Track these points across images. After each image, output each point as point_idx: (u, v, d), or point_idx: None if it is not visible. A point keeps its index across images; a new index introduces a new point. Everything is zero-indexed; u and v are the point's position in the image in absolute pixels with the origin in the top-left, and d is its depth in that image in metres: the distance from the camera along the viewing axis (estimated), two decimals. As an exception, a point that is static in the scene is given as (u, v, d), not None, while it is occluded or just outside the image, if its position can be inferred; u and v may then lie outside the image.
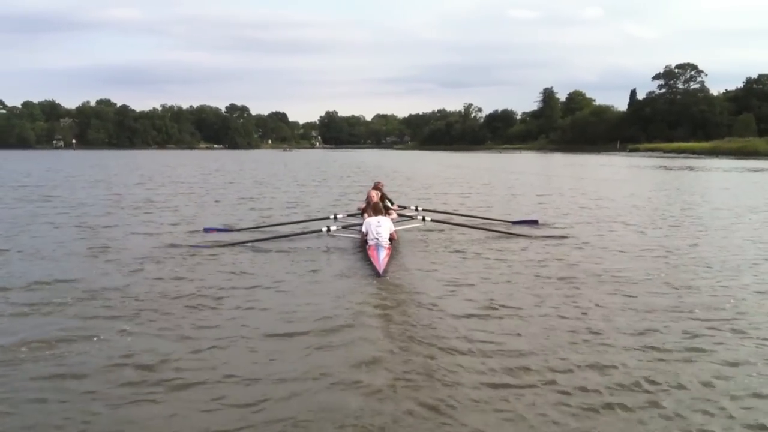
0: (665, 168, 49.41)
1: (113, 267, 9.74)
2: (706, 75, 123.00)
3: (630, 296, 8.08)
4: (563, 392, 5.09)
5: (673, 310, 7.39)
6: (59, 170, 46.83)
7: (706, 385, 5.25)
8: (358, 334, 6.47)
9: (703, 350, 6.07)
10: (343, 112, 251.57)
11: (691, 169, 47.54)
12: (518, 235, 12.92)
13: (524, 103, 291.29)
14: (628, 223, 15.29)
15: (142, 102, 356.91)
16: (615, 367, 5.61)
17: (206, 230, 13.46)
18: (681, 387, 5.20)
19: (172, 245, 11.64)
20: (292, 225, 14.29)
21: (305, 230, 13.06)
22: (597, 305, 7.66)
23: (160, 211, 18.06)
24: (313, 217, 15.08)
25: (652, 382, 5.26)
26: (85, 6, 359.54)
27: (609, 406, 4.83)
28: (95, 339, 6.28)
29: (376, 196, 12.97)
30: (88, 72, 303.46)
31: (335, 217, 13.95)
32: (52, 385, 5.22)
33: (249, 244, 11.84)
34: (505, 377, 5.42)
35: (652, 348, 6.10)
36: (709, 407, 4.83)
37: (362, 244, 10.90)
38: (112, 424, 4.55)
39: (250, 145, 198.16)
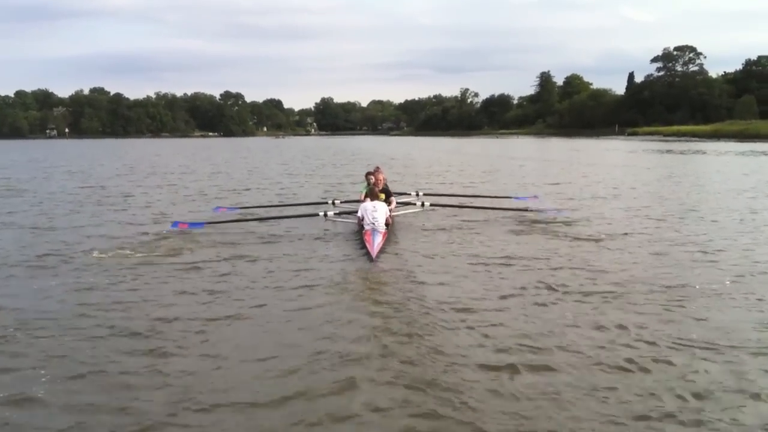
0: (672, 152, 47.31)
1: (58, 285, 7.96)
2: (705, 57, 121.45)
3: (697, 317, 6.39)
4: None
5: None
6: (43, 160, 45.11)
7: None
8: (345, 326, 6.22)
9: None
10: (339, 98, 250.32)
11: (703, 153, 45.24)
12: (521, 210, 13.37)
13: (521, 87, 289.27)
14: (659, 218, 13.37)
15: (136, 90, 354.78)
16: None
17: (217, 209, 14.07)
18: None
19: (138, 249, 9.97)
20: (290, 208, 14.40)
21: (302, 214, 12.72)
22: (629, 321, 6.11)
23: (134, 207, 16.32)
24: (312, 202, 14.97)
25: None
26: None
27: None
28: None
29: (382, 180, 12.36)
30: (81, 60, 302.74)
31: (333, 203, 14.01)
32: None
33: (243, 224, 12.16)
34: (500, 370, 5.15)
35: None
36: None
37: (359, 230, 10.79)
38: None
39: (245, 133, 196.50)
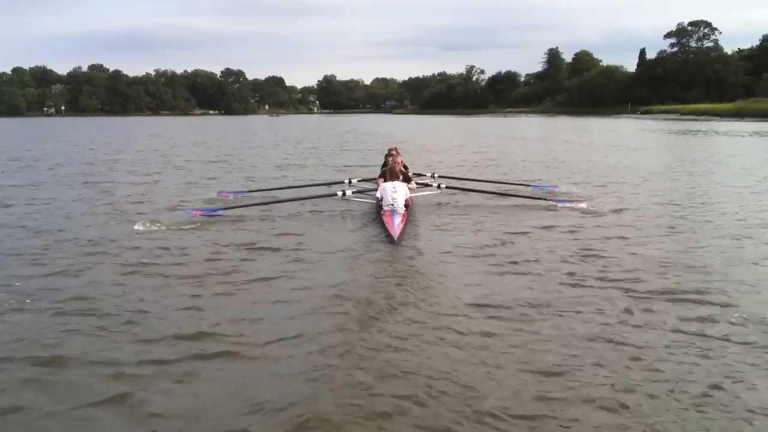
0: (703, 133, 43.25)
1: None
2: (720, 33, 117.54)
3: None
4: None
5: None
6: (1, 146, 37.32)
7: None
8: (370, 309, 6.00)
9: None
10: (342, 76, 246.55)
11: (758, 135, 39.72)
12: (540, 199, 12.52)
13: (528, 65, 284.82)
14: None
15: (135, 67, 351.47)
16: None
17: (220, 193, 13.66)
18: None
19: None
20: (305, 188, 13.94)
21: (319, 194, 12.63)
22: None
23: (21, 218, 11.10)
24: (327, 181, 14.68)
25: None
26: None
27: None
28: None
29: (399, 162, 12.33)
30: (80, 37, 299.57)
31: (350, 182, 13.80)
32: None
33: (260, 207, 11.65)
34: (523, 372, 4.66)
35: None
36: None
37: (377, 210, 10.77)
38: None
39: (246, 111, 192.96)
